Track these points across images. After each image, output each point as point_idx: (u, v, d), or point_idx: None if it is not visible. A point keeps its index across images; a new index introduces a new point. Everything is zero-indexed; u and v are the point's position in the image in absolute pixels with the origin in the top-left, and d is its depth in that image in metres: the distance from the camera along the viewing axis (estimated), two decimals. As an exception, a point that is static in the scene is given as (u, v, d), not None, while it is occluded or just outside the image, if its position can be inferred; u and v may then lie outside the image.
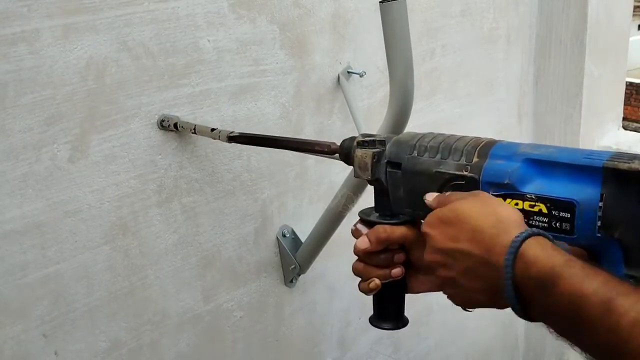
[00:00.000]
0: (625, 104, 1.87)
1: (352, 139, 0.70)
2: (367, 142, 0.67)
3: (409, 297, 0.73)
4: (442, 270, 0.60)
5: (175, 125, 0.90)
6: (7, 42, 0.75)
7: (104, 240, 0.89)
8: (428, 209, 0.62)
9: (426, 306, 1.52)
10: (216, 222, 1.03)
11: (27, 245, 0.82)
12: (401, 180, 0.65)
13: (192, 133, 0.90)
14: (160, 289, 0.98)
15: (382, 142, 0.67)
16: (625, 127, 1.83)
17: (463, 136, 0.63)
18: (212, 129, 0.87)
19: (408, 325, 0.73)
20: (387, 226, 0.68)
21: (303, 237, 1.12)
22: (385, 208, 0.69)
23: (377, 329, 0.73)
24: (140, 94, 0.88)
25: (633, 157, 0.52)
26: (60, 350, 0.88)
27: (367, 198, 0.76)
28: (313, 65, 1.10)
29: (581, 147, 1.60)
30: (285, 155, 1.09)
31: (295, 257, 1.13)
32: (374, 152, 0.66)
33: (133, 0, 0.84)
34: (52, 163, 0.82)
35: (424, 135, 0.65)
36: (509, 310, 0.55)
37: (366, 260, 0.70)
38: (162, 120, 0.90)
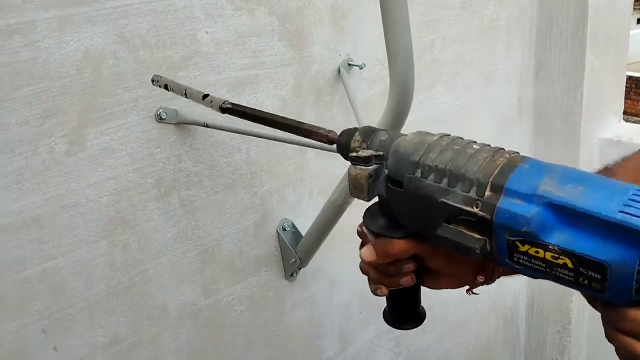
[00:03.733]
0: (624, 98, 1.85)
1: (351, 134, 0.62)
2: (361, 158, 0.57)
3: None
4: None
5: (166, 86, 0.85)
6: (2, 34, 0.74)
7: (103, 235, 0.89)
8: (437, 232, 0.54)
9: (427, 301, 1.51)
10: (216, 215, 1.02)
11: (24, 240, 0.81)
12: (404, 199, 0.57)
13: (183, 96, 0.84)
14: (160, 284, 0.97)
15: (380, 157, 0.58)
16: (625, 121, 1.82)
17: (476, 152, 0.53)
18: (204, 96, 0.80)
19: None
20: (395, 241, 0.59)
21: (303, 231, 1.11)
22: (391, 217, 0.60)
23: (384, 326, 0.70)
24: (138, 87, 0.87)
25: None
26: (60, 346, 0.88)
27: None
28: (312, 57, 1.09)
29: (582, 139, 1.62)
30: (285, 148, 1.08)
31: (295, 251, 1.12)
32: (369, 173, 0.57)
33: (130, -9, 0.84)
34: (49, 156, 0.81)
35: (428, 148, 0.55)
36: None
37: (373, 267, 0.64)
38: (153, 80, 0.86)
